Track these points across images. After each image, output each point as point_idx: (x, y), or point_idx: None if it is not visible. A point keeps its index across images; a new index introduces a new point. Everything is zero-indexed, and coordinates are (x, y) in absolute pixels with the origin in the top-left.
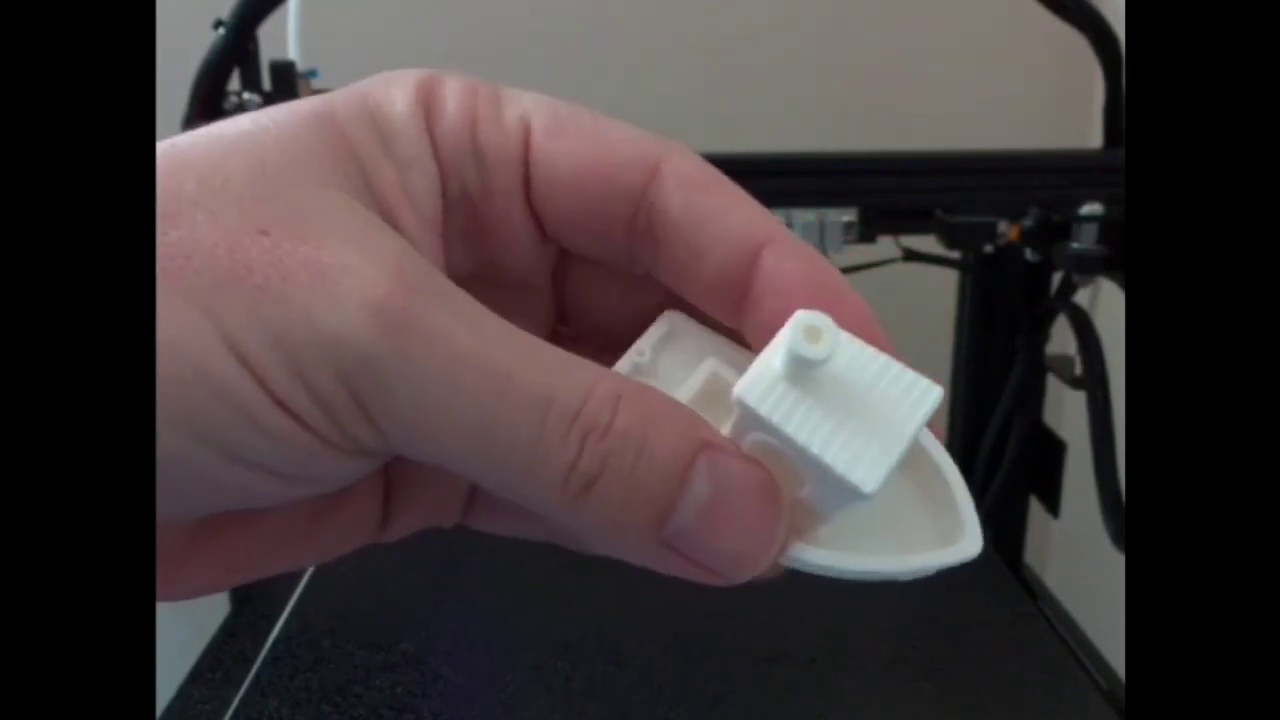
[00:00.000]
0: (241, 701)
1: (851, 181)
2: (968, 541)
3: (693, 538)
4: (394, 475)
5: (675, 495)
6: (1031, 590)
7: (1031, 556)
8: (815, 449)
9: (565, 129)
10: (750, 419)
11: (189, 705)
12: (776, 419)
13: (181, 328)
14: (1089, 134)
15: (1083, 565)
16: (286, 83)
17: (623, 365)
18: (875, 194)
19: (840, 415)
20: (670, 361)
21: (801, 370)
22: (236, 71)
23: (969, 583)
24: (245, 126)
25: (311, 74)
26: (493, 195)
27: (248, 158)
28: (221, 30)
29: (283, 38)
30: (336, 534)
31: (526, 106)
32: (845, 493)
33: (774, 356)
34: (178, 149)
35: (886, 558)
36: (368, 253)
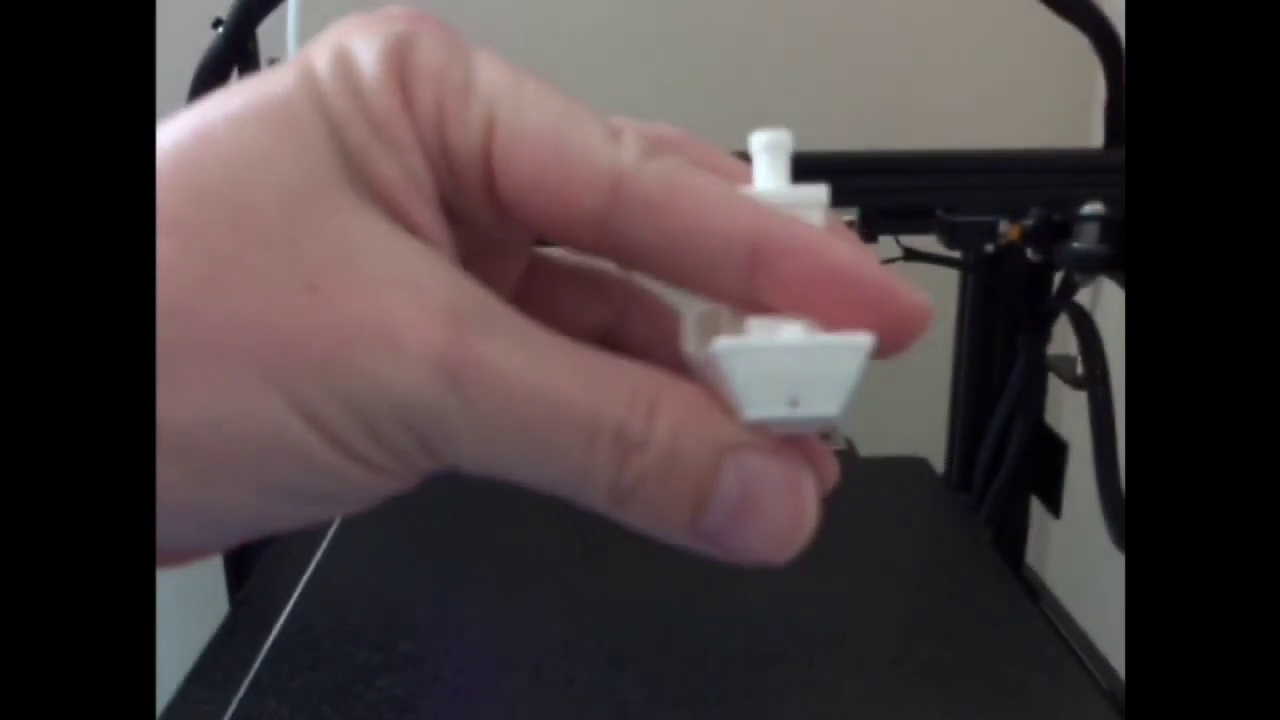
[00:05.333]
0: (241, 701)
1: (852, 181)
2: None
3: (726, 533)
4: None
5: (705, 499)
6: (1032, 590)
7: (1032, 556)
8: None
9: (526, 135)
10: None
11: (189, 705)
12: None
13: (254, 400)
14: (1090, 133)
15: (1083, 565)
16: None
17: None
18: (876, 194)
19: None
20: None
21: None
22: (236, 71)
23: (969, 583)
24: (248, 129)
25: None
26: (461, 188)
27: (270, 182)
28: (221, 30)
29: (283, 38)
30: None
31: (493, 102)
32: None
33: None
34: (185, 172)
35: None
36: (419, 298)
